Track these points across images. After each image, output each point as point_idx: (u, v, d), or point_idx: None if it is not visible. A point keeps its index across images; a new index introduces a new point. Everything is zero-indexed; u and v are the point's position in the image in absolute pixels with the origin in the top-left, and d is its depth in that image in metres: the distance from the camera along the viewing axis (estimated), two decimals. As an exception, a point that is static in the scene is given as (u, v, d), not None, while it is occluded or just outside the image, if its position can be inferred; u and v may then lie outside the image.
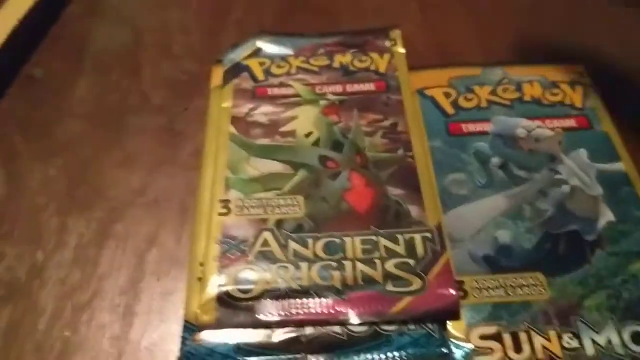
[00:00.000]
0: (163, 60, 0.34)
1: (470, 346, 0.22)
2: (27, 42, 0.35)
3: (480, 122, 0.30)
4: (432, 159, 0.28)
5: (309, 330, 0.22)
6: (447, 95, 0.31)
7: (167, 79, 0.33)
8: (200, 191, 0.27)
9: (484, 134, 0.29)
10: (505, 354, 0.22)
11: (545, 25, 0.35)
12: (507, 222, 0.26)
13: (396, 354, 0.22)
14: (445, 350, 0.22)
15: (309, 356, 0.22)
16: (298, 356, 0.22)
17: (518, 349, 0.22)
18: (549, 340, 0.22)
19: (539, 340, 0.22)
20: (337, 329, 0.22)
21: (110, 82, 0.33)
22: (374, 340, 0.22)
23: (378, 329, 0.22)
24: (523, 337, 0.22)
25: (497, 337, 0.22)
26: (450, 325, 0.22)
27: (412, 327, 0.23)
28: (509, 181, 0.27)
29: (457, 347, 0.22)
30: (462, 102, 0.31)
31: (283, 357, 0.22)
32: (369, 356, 0.22)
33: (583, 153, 0.28)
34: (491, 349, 0.22)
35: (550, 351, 0.22)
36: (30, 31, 0.35)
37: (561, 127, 0.29)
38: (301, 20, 0.36)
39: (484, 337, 0.22)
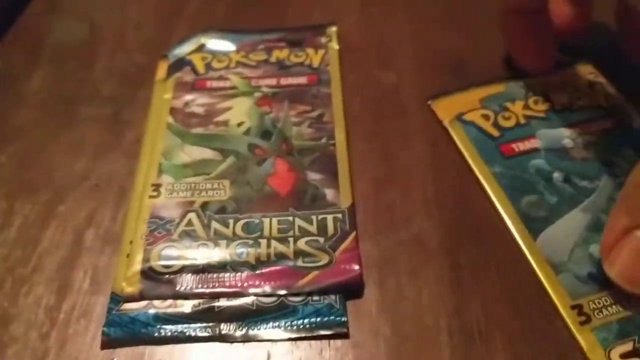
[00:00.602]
0: (116, 54, 0.36)
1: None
2: None
3: (526, 139, 0.30)
4: (499, 185, 0.28)
5: (222, 302, 0.25)
6: (486, 117, 0.31)
7: (117, 71, 0.35)
8: (136, 176, 0.29)
9: (534, 150, 0.30)
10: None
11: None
12: (592, 235, 0.26)
13: (299, 322, 0.24)
14: (344, 319, 0.24)
15: (221, 324, 0.25)
16: (211, 324, 0.24)
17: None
18: None
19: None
20: (248, 300, 0.25)
21: (64, 73, 0.35)
22: (281, 310, 0.25)
23: (285, 300, 0.25)
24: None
25: (637, 352, 0.23)
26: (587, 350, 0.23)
27: (316, 298, 0.25)
28: (577, 194, 0.28)
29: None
30: (502, 122, 0.31)
31: (197, 325, 0.24)
32: (275, 324, 0.24)
33: (629, 150, 0.29)
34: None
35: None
36: None
37: (599, 129, 0.30)
38: (251, 14, 0.38)
39: (623, 356, 0.23)
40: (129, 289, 0.25)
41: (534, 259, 0.26)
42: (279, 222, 0.27)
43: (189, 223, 0.27)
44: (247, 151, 0.30)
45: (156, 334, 0.24)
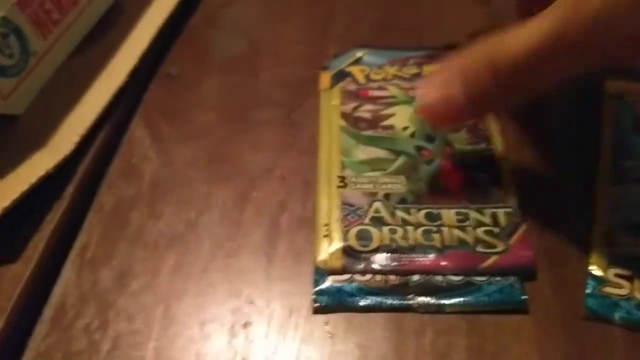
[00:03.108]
0: (277, 66, 0.40)
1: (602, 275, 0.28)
2: (163, 46, 0.42)
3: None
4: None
5: (415, 278, 0.28)
6: None
7: (282, 81, 0.39)
8: (319, 169, 0.33)
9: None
10: (632, 291, 0.27)
11: None
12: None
13: (485, 298, 0.28)
14: (523, 297, 0.28)
15: (416, 297, 0.28)
16: (408, 297, 0.28)
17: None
18: None
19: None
20: (439, 277, 0.28)
21: (234, 81, 0.40)
22: (468, 287, 0.28)
23: (471, 279, 0.28)
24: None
25: (629, 278, 0.28)
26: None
27: (498, 278, 0.28)
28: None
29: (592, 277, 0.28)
30: None
31: (394, 296, 0.28)
32: (464, 299, 0.28)
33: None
34: (621, 285, 0.28)
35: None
36: (165, 36, 0.42)
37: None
38: (392, 37, 0.42)
39: (617, 275, 0.28)
40: (333, 264, 0.29)
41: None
42: (456, 214, 0.30)
43: (377, 210, 0.30)
44: (414, 152, 0.33)
45: (360, 303, 0.28)
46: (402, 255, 0.29)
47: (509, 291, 0.28)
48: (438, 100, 0.29)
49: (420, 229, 0.30)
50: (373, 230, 0.30)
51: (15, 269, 0.29)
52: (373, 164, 0.33)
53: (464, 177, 0.32)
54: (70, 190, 0.32)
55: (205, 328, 0.28)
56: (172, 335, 0.28)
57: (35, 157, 0.33)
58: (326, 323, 0.27)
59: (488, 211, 0.30)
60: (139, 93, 0.39)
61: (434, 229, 0.30)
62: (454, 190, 0.32)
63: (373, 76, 0.38)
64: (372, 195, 0.31)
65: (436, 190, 0.32)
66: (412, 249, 0.29)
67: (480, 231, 0.30)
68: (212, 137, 0.36)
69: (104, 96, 0.36)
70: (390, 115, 0.36)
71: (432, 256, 0.29)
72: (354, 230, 0.30)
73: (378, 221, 0.30)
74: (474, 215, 0.30)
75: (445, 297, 0.28)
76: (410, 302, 0.28)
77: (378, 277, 0.28)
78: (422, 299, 0.28)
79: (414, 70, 0.39)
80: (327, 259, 0.29)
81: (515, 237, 0.29)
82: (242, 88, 0.39)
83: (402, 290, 0.28)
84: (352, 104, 0.36)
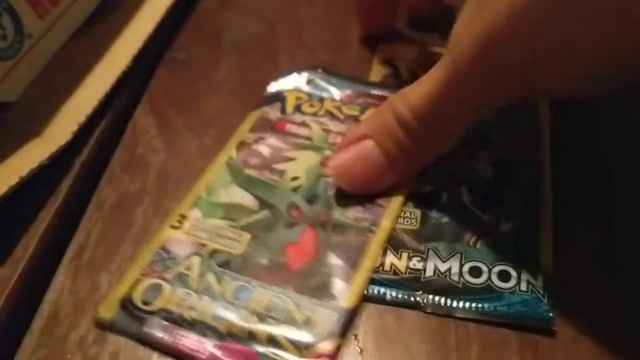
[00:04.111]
0: (297, 49, 0.37)
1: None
2: (171, 29, 0.39)
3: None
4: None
5: (428, 274, 0.26)
6: None
7: (302, 65, 0.35)
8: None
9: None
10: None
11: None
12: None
13: (504, 308, 0.25)
14: (551, 314, 0.24)
15: (426, 294, 0.25)
16: (417, 293, 0.26)
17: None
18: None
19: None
20: (455, 277, 0.26)
21: (249, 65, 0.36)
22: (487, 292, 0.25)
23: (491, 284, 0.25)
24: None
25: None
26: None
27: (523, 288, 0.25)
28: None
29: None
30: None
31: (404, 291, 0.26)
32: (480, 305, 0.25)
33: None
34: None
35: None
36: (173, 19, 0.39)
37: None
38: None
39: None
40: (104, 314, 0.25)
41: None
42: (271, 298, 0.25)
43: (188, 267, 0.26)
44: (284, 210, 0.28)
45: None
46: (178, 329, 0.25)
47: (535, 305, 0.24)
48: (352, 157, 0.27)
49: (218, 304, 0.25)
50: (165, 289, 0.26)
51: (1, 274, 0.26)
52: (228, 211, 0.28)
53: (313, 257, 0.26)
54: (66, 184, 0.29)
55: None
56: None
57: (28, 147, 0.30)
58: (355, 337, 0.25)
59: (308, 307, 0.25)
60: (144, 79, 0.37)
61: (232, 308, 0.25)
62: (292, 270, 0.26)
63: (305, 107, 0.33)
64: (198, 248, 0.27)
65: (274, 262, 0.26)
66: (192, 325, 0.25)
67: (281, 329, 0.24)
68: (225, 126, 0.32)
69: (106, 82, 0.34)
70: (289, 160, 0.30)
71: (207, 341, 0.24)
72: (145, 283, 0.26)
73: (180, 280, 0.26)
74: (290, 306, 0.25)
75: (457, 300, 0.25)
76: (418, 299, 0.25)
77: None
78: (431, 298, 0.25)
79: (354, 111, 0.32)
80: (101, 307, 0.25)
81: (316, 352, 0.23)
82: (260, 71, 0.35)
83: (412, 285, 0.25)
84: (259, 134, 0.32)
